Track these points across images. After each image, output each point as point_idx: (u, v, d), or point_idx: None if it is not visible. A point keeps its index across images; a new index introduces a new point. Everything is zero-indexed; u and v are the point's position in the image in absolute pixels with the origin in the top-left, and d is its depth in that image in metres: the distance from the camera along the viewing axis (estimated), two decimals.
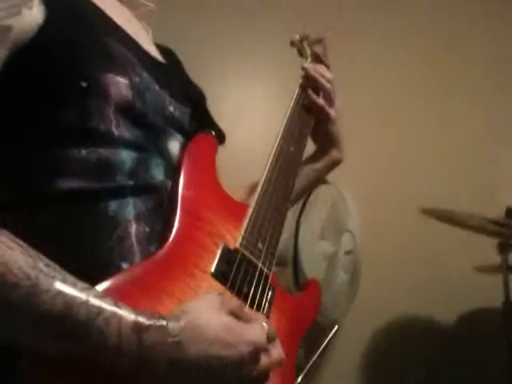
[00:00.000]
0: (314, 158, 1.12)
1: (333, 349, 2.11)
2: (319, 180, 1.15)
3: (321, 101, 1.07)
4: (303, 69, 1.10)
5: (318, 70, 1.09)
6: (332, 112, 1.08)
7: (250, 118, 2.35)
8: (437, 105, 2.50)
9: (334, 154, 1.11)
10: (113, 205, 0.70)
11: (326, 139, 1.10)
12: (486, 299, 2.14)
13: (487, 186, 2.40)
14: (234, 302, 0.68)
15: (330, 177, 1.24)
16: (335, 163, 1.13)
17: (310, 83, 1.08)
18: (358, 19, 2.48)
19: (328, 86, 1.08)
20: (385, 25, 2.52)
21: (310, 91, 1.07)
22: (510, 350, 1.82)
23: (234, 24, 2.35)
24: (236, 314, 0.65)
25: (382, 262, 2.23)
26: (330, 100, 1.08)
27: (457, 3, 2.60)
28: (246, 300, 0.74)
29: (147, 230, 0.72)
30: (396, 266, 2.26)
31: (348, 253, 2.05)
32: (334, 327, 0.87)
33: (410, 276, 2.26)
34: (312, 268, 1.90)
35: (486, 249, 1.94)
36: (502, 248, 1.88)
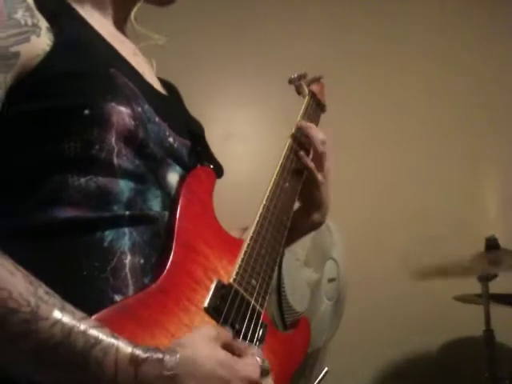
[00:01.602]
0: (293, 218, 1.01)
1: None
2: (295, 241, 1.09)
3: (311, 163, 1.02)
4: (298, 126, 1.06)
5: (312, 131, 1.04)
6: (320, 176, 1.03)
7: (239, 142, 2.36)
8: (420, 145, 2.54)
9: (315, 217, 1.06)
10: (109, 235, 0.70)
11: (309, 201, 1.05)
12: (468, 328, 2.16)
13: (468, 219, 2.43)
14: (228, 334, 0.69)
15: None
16: (314, 227, 1.08)
17: (302, 138, 1.05)
18: (352, 48, 2.53)
19: (321, 148, 1.02)
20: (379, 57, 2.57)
21: (301, 152, 1.03)
22: (492, 378, 1.83)
23: (223, 47, 2.37)
24: (229, 347, 0.66)
25: (365, 292, 2.24)
26: (319, 163, 1.03)
27: (453, 29, 2.67)
28: (237, 337, 0.73)
29: (142, 261, 0.72)
30: (378, 296, 2.28)
31: (331, 280, 2.06)
32: (324, 368, 0.86)
33: (392, 305, 2.28)
34: (296, 295, 1.90)
35: (467, 278, 1.96)
36: (482, 277, 1.89)
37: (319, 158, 1.02)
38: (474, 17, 2.68)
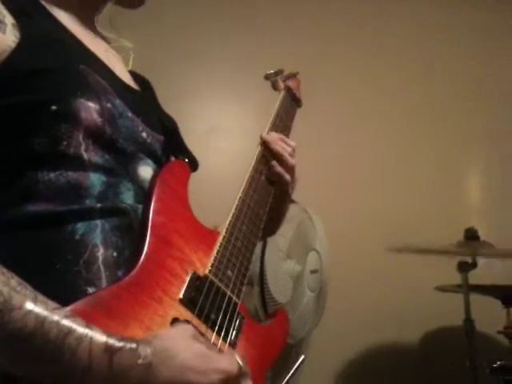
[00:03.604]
0: None
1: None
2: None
3: (287, 176, 1.02)
4: (262, 139, 1.04)
5: (278, 142, 1.03)
6: (290, 189, 1.04)
7: (223, 137, 2.35)
8: (401, 136, 2.56)
9: (273, 227, 1.09)
10: (80, 228, 0.70)
11: (274, 209, 1.02)
12: (448, 318, 2.18)
13: (447, 210, 2.46)
14: (206, 340, 0.69)
15: (297, 197, 1.25)
16: (266, 236, 1.10)
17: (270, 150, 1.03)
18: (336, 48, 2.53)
19: (290, 162, 1.02)
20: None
21: (273, 162, 1.01)
22: (473, 367, 1.85)
23: (207, 42, 2.36)
24: (207, 346, 0.66)
25: (347, 283, 2.26)
26: (291, 175, 1.03)
27: (439, 29, 2.69)
28: (213, 327, 0.74)
29: (115, 254, 0.72)
30: (360, 287, 2.29)
31: (314, 272, 2.07)
32: (300, 357, 0.87)
33: (373, 296, 2.29)
34: (278, 287, 1.90)
35: (447, 268, 1.98)
36: (462, 267, 1.92)
37: (289, 171, 1.03)
38: (463, 21, 2.71)
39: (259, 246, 1.86)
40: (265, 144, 1.03)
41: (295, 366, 0.86)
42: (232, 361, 0.66)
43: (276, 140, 1.03)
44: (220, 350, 0.69)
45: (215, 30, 2.38)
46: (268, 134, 1.05)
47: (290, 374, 0.85)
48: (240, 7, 2.47)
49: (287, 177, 1.02)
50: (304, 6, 2.56)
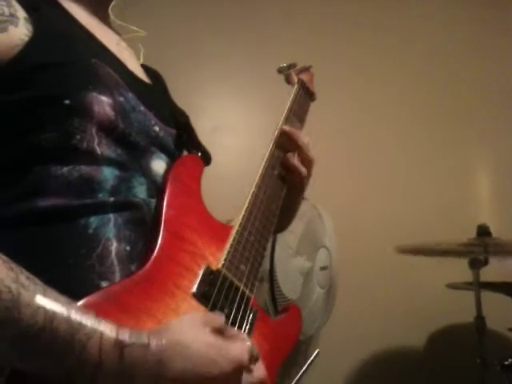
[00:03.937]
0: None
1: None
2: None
3: (303, 169, 0.99)
4: (281, 131, 1.00)
5: (299, 140, 0.99)
6: (306, 182, 1.02)
7: (227, 134, 2.34)
8: (411, 135, 2.55)
9: (284, 223, 1.07)
10: (93, 222, 0.70)
11: (286, 205, 1.00)
12: (459, 315, 2.17)
13: (459, 206, 2.45)
14: (217, 320, 0.68)
15: (307, 194, 1.24)
16: (277, 232, 1.09)
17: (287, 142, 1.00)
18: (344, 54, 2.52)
19: (310, 156, 1.00)
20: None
21: (289, 154, 0.99)
22: (483, 364, 1.84)
23: (212, 38, 2.35)
24: (219, 332, 0.65)
25: (357, 279, 2.25)
26: (308, 169, 1.01)
27: (454, 25, 2.68)
28: (226, 322, 0.73)
29: (128, 248, 0.72)
30: (370, 284, 2.28)
31: (324, 268, 2.06)
32: (315, 351, 0.87)
33: (384, 293, 2.28)
34: (288, 284, 1.90)
35: (458, 265, 1.97)
36: (474, 264, 1.90)
37: (307, 165, 1.00)
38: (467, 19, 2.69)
39: (269, 242, 1.85)
40: (286, 135, 1.00)
41: (309, 360, 0.86)
42: (243, 348, 0.66)
43: (297, 132, 1.01)
44: (231, 337, 0.68)
45: (219, 28, 2.37)
46: (282, 127, 1.02)
47: (304, 368, 0.85)
48: (244, 5, 2.46)
49: (303, 170, 0.99)
50: (309, 4, 2.54)
